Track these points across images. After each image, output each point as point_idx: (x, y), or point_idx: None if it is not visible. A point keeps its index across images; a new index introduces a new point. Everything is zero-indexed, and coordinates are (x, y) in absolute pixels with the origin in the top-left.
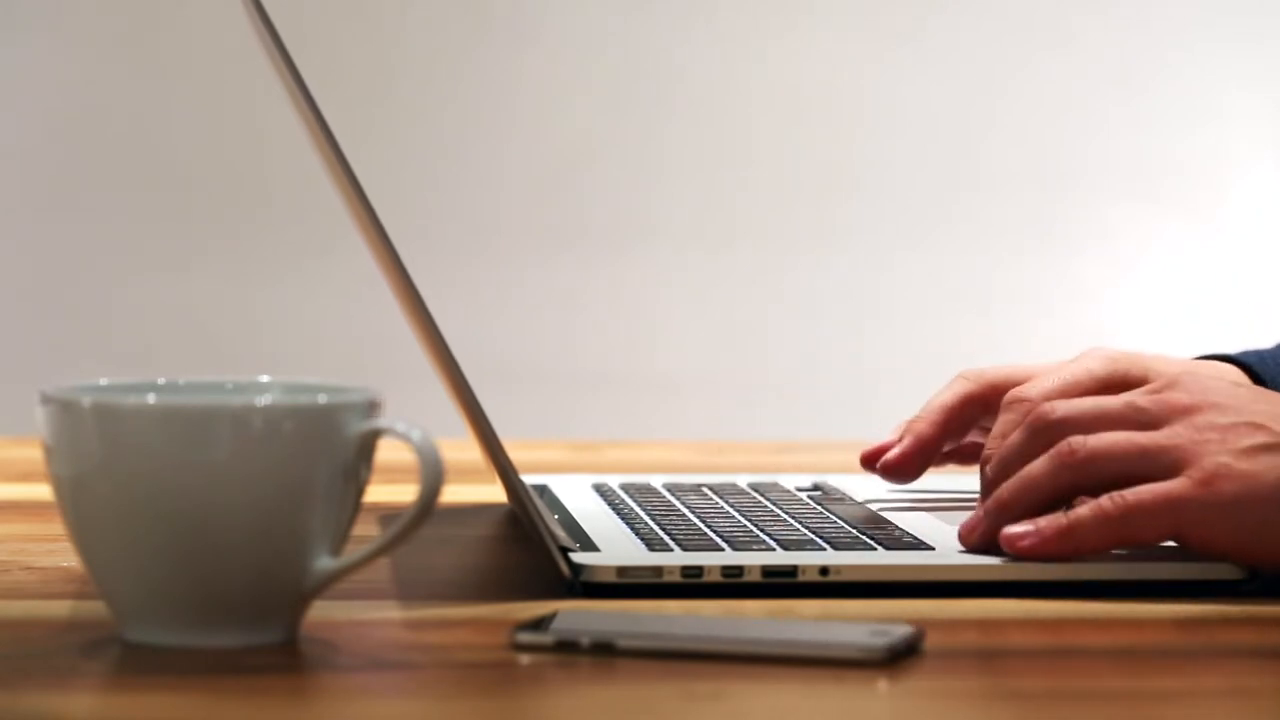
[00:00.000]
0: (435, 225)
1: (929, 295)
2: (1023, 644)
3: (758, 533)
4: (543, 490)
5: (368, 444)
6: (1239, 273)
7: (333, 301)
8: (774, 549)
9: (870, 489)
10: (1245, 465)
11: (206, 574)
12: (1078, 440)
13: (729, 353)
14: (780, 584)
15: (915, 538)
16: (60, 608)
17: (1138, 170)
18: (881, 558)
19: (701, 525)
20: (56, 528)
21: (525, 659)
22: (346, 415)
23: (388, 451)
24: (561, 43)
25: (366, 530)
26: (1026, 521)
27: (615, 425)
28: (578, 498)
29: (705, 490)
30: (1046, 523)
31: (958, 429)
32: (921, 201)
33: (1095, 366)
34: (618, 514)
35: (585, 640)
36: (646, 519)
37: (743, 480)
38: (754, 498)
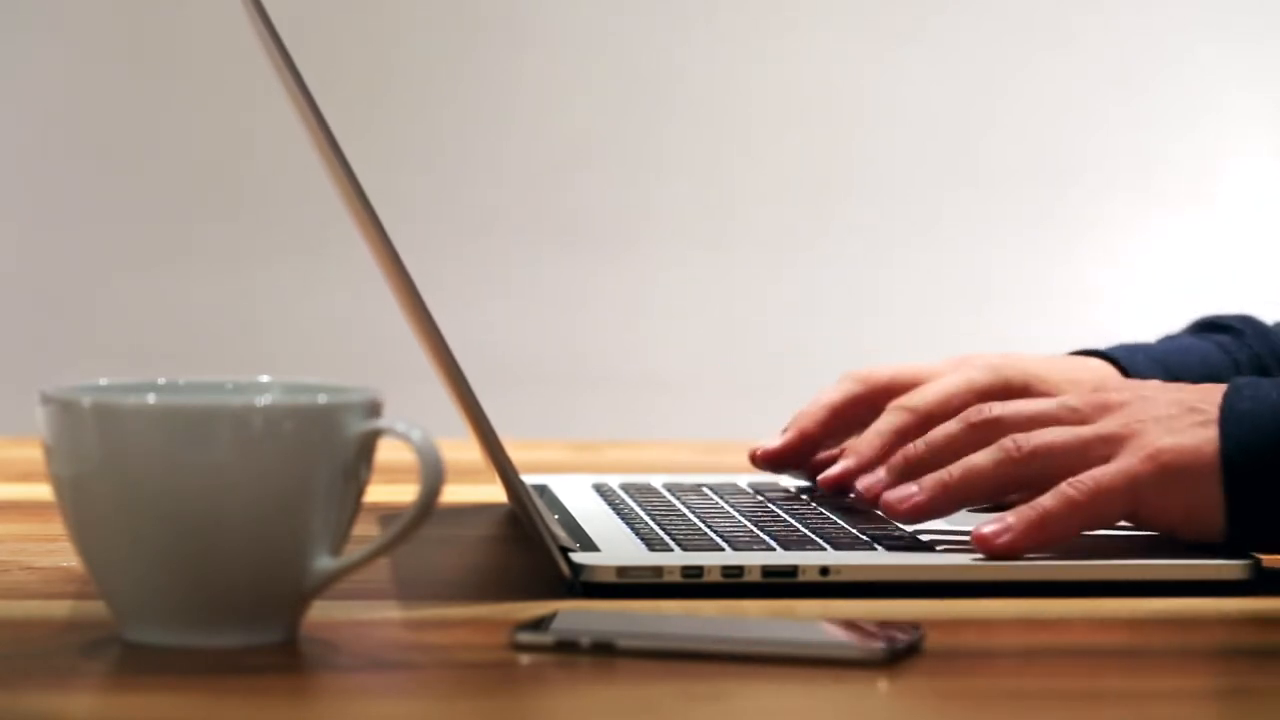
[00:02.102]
0: (435, 225)
1: (930, 294)
2: (1023, 644)
3: (758, 533)
4: (543, 490)
5: (368, 444)
6: (1237, 270)
7: (333, 301)
8: (774, 549)
9: None
10: (1184, 439)
11: (207, 574)
12: (1021, 437)
13: (729, 352)
14: (780, 584)
15: (915, 538)
16: (60, 608)
17: (1137, 169)
18: (881, 558)
19: (701, 525)
20: (56, 528)
21: (525, 659)
22: (346, 415)
23: (388, 451)
24: (561, 43)
25: (366, 530)
26: (993, 519)
27: (615, 425)
28: (578, 498)
29: (705, 490)
30: (1016, 518)
31: (842, 428)
32: (921, 200)
33: (977, 377)
34: (618, 514)
35: (585, 640)
36: (646, 519)
37: (743, 480)
38: (754, 498)
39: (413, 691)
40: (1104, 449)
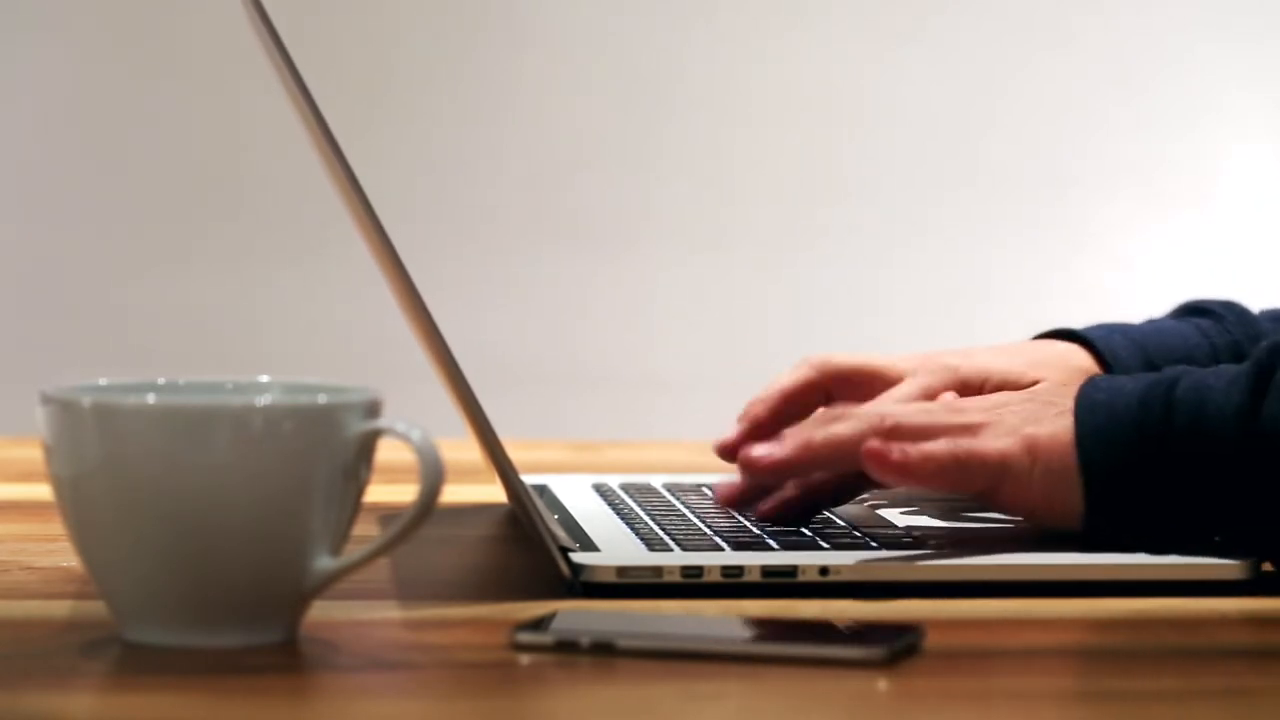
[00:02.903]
0: (435, 225)
1: (929, 295)
2: (1023, 644)
3: (757, 533)
4: (543, 490)
5: (368, 444)
6: (1237, 270)
7: (333, 301)
8: (774, 549)
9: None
10: (1047, 428)
11: (206, 574)
12: (887, 410)
13: (729, 353)
14: (780, 584)
15: (915, 538)
16: (60, 608)
17: (1137, 169)
18: (881, 558)
19: (701, 525)
20: (56, 528)
21: (525, 659)
22: (346, 415)
23: (388, 451)
24: (561, 42)
25: (366, 530)
26: (890, 441)
27: (615, 425)
28: (578, 498)
29: (705, 490)
30: (910, 446)
31: (796, 414)
32: (921, 200)
33: (932, 382)
34: (618, 514)
35: (585, 640)
36: (646, 519)
37: None
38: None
39: (413, 691)
40: (967, 434)
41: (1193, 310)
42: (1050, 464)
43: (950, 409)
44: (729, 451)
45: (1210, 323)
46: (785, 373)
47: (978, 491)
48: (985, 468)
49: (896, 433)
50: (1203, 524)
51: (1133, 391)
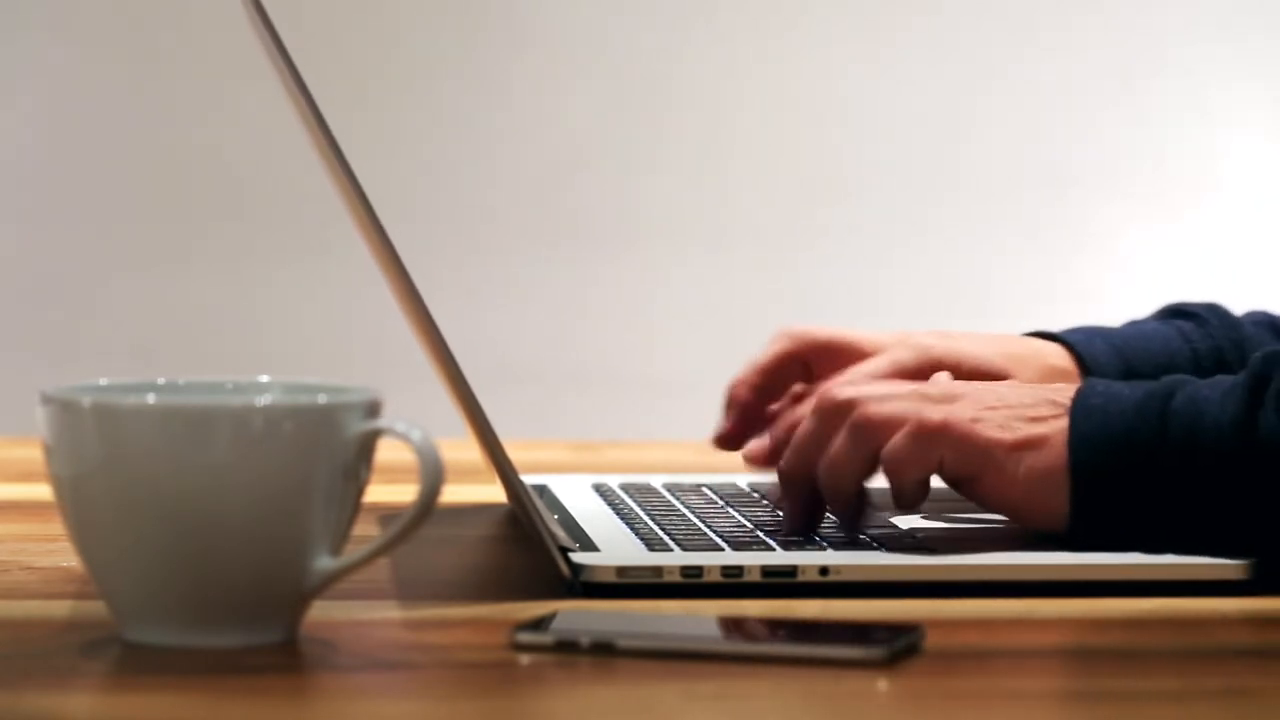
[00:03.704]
0: (435, 225)
1: (928, 295)
2: (1023, 644)
3: (757, 533)
4: (543, 490)
5: (368, 444)
6: (1237, 271)
7: (333, 301)
8: (774, 549)
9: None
10: (1037, 427)
11: (207, 574)
12: (872, 408)
13: (729, 353)
14: (780, 584)
15: (915, 538)
16: (60, 608)
17: (1137, 169)
18: (881, 558)
19: (701, 525)
20: (56, 528)
21: (525, 659)
22: (346, 415)
23: (388, 451)
24: (560, 42)
25: (366, 530)
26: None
27: (615, 425)
28: (578, 498)
29: (705, 490)
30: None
31: (777, 386)
32: (921, 200)
33: (904, 357)
34: (618, 514)
35: (585, 640)
36: (646, 519)
37: (742, 480)
38: (753, 498)
39: (413, 691)
40: (956, 429)
41: (1175, 313)
42: (1037, 461)
43: (938, 399)
44: (726, 441)
45: (1192, 326)
46: (763, 348)
47: (958, 478)
48: (959, 447)
49: (886, 427)
50: (1188, 534)
51: (1129, 399)
